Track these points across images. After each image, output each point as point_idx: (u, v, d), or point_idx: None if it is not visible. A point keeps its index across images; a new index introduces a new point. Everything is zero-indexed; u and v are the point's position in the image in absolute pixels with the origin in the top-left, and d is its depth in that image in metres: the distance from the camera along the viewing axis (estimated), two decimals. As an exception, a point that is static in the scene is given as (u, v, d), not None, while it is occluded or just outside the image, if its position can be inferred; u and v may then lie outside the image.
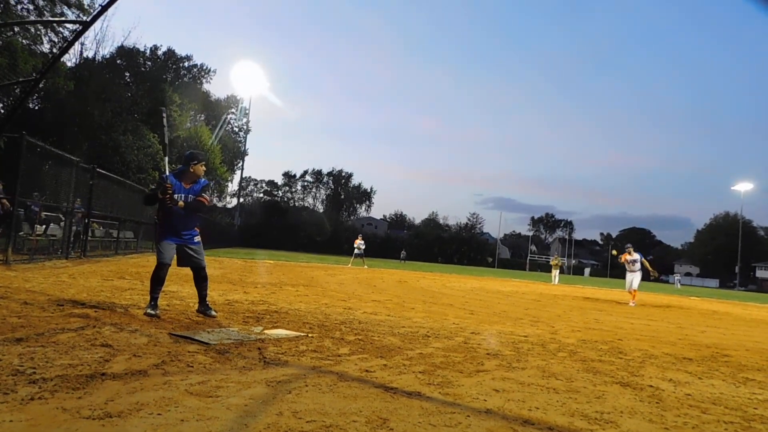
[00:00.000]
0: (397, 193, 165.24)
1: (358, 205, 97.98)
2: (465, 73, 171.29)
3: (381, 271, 22.99)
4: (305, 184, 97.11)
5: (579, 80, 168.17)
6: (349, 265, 26.20)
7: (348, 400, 2.90)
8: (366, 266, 26.83)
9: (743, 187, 68.72)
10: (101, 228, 17.90)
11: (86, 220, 14.36)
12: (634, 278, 14.43)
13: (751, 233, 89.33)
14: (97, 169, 14.38)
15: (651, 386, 3.95)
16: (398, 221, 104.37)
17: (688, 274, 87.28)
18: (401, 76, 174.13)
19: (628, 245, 15.09)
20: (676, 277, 57.05)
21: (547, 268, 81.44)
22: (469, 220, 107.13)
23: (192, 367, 3.35)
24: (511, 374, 3.95)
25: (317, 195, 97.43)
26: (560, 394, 3.47)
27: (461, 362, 4.25)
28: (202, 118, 53.05)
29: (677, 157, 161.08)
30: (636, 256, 14.61)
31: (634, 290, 14.47)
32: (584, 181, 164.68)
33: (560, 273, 28.06)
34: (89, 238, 14.96)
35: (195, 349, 3.87)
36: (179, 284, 8.63)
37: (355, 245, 27.55)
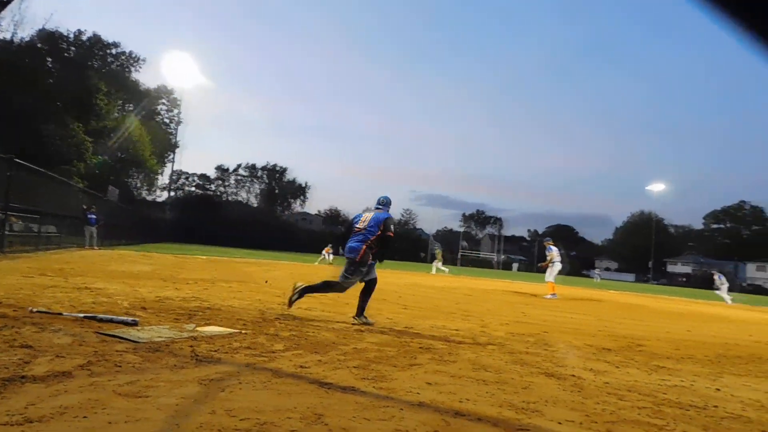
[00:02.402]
0: (332, 188, 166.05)
1: (292, 200, 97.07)
2: (405, 72, 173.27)
3: (317, 267, 22.89)
4: (239, 178, 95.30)
5: (514, 85, 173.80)
6: (316, 263, 27.19)
7: (283, 396, 2.90)
8: (317, 263, 27.68)
9: (656, 187, 73.10)
10: (20, 222, 16.82)
11: (3, 214, 13.45)
12: (548, 270, 14.92)
13: (663, 230, 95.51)
14: (16, 160, 13.49)
15: (573, 376, 4.17)
16: (333, 217, 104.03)
17: (607, 269, 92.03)
18: (341, 72, 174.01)
19: (547, 238, 15.66)
20: (595, 272, 60.13)
21: (478, 263, 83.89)
22: (403, 216, 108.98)
23: (120, 366, 3.24)
24: (443, 367, 4.07)
25: (251, 189, 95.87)
26: (490, 385, 3.61)
27: (395, 356, 4.33)
28: (131, 108, 50.78)
29: (600, 159, 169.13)
30: (550, 248, 15.15)
31: (549, 282, 14.81)
32: (514, 180, 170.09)
33: (444, 264, 29.23)
34: (6, 232, 14.03)
35: (123, 348, 3.74)
36: (106, 281, 8.29)
37: (324, 252, 29.48)
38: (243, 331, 4.89)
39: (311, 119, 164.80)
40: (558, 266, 14.94)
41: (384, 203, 6.66)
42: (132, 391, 2.75)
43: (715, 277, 23.57)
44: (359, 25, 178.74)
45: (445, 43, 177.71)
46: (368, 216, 6.41)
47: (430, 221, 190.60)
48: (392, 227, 6.35)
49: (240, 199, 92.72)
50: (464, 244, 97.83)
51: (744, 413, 3.44)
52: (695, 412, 3.34)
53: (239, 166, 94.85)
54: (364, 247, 6.16)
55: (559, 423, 2.86)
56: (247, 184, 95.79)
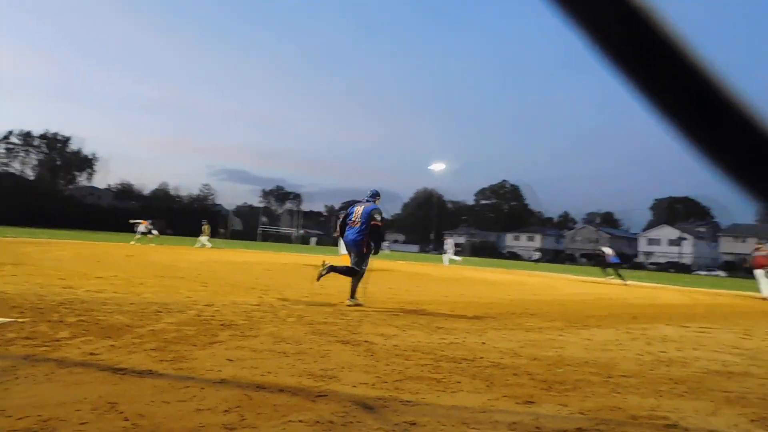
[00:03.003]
0: (123, 161, 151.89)
1: (78, 173, 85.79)
2: (197, 41, 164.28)
3: (108, 246, 20.72)
4: (10, 147, 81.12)
5: (307, 64, 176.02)
6: (132, 242, 25.57)
7: (70, 387, 2.68)
8: (133, 242, 25.89)
9: (437, 167, 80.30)
10: None
11: None
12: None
13: (442, 206, 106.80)
14: None
15: (366, 341, 4.55)
16: (126, 191, 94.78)
17: (396, 241, 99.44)
18: (127, 37, 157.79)
19: (342, 211, 16.58)
20: (385, 244, 64.75)
21: (278, 238, 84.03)
22: (201, 191, 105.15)
23: None
24: (244, 343, 4.11)
25: (26, 160, 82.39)
26: (290, 357, 3.76)
27: (195, 335, 4.24)
28: None
29: (390, 138, 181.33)
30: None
31: (343, 255, 15.76)
32: (312, 156, 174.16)
33: (209, 239, 29.12)
34: None
35: None
36: None
37: (144, 226, 27.62)
38: (20, 320, 4.30)
39: (94, 85, 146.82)
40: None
41: (373, 195, 7.53)
42: None
43: (447, 242, 27.36)
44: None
45: (238, 16, 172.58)
46: (359, 210, 7.24)
47: (229, 196, 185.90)
48: (378, 216, 7.14)
49: (12, 170, 78.78)
50: (264, 219, 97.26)
51: (501, 361, 4.15)
52: (466, 364, 3.93)
53: (10, 133, 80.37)
54: (365, 239, 7.11)
55: (354, 386, 3.13)
56: (21, 154, 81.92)
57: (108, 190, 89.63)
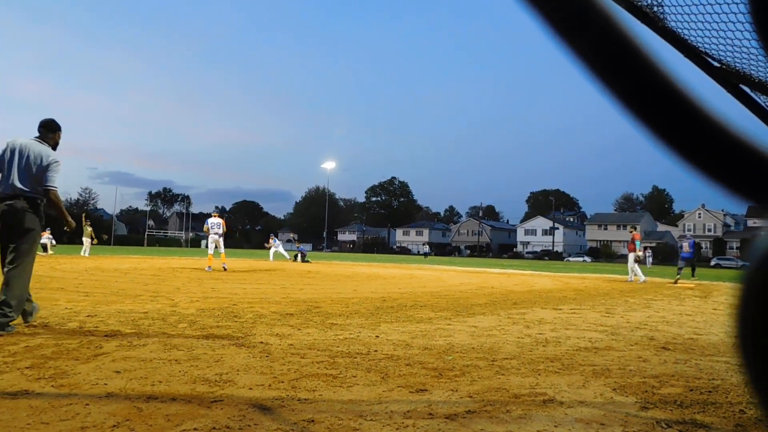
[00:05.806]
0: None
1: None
2: (74, 40, 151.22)
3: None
4: None
5: (196, 66, 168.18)
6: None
7: (-74, 420, 2.43)
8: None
9: (328, 165, 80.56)
10: None
11: None
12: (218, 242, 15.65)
13: (334, 204, 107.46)
14: None
15: (261, 342, 4.52)
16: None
17: (289, 241, 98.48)
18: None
19: (214, 211, 16.57)
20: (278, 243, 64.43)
21: (165, 242, 79.93)
22: (81, 195, 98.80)
23: None
24: (132, 353, 3.92)
25: None
26: (182, 363, 3.65)
27: (77, 349, 3.97)
28: None
29: (281, 138, 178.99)
30: (218, 220, 15.94)
31: (221, 253, 15.70)
32: (201, 157, 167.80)
33: (91, 243, 26.92)
34: None
35: None
36: None
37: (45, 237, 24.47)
38: None
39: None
40: (212, 237, 15.66)
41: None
42: None
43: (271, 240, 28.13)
44: None
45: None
46: (686, 243, 15.97)
47: (113, 200, 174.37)
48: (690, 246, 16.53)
49: None
50: (151, 223, 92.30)
51: (395, 353, 4.31)
52: (361, 358, 4.04)
53: None
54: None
55: (250, 388, 3.12)
56: None
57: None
